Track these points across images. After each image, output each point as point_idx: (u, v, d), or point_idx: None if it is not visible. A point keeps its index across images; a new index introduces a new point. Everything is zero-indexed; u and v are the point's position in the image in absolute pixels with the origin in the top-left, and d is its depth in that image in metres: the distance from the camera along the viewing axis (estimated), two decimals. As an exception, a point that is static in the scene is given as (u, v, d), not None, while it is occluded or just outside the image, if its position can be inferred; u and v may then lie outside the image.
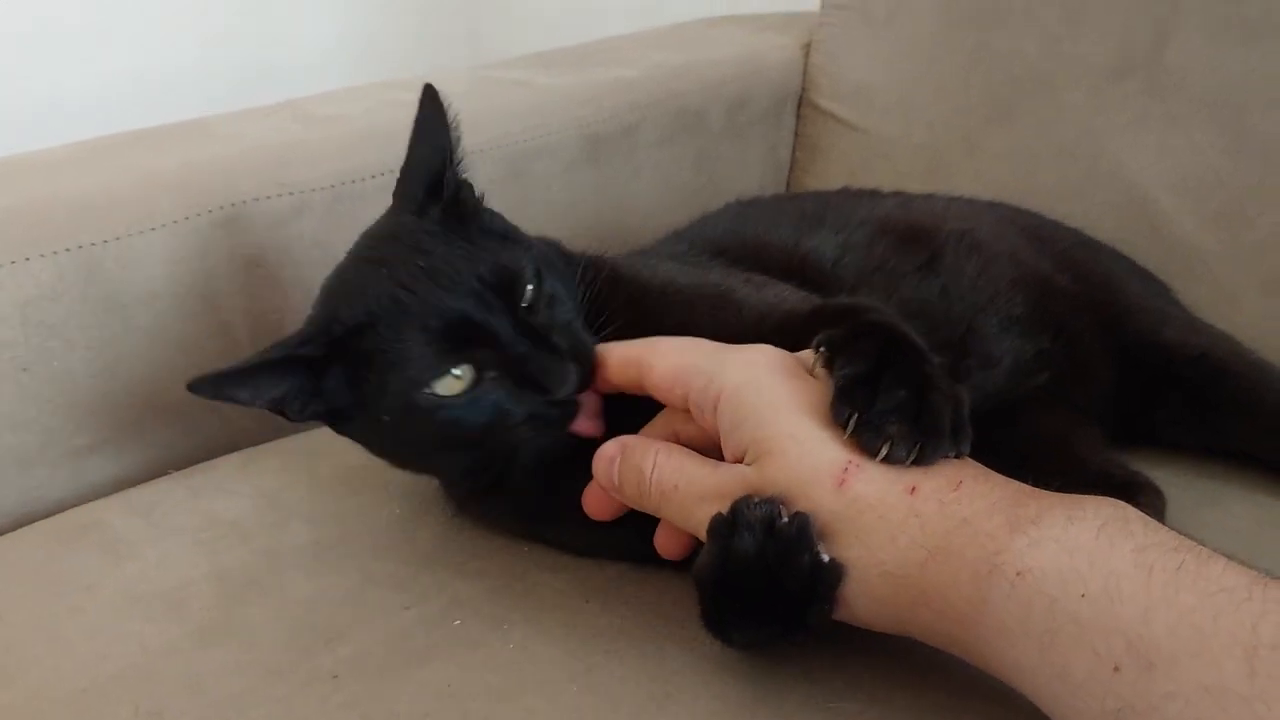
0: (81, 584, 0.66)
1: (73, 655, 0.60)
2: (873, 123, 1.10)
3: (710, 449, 0.56)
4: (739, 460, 0.53)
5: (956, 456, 0.50)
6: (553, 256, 0.65)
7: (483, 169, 0.71)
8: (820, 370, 0.53)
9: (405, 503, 0.71)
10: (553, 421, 0.59)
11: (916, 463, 0.49)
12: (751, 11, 1.28)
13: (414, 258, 0.60)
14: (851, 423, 0.50)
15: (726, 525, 0.50)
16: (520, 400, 0.58)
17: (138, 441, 0.81)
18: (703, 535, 0.52)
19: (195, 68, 1.46)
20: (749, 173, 1.14)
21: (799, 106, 1.16)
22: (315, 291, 0.65)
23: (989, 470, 0.50)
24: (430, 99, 0.66)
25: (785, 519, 0.49)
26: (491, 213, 0.66)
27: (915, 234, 0.77)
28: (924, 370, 0.52)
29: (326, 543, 0.68)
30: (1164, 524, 0.64)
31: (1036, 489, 0.49)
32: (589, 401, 0.60)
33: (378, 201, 0.68)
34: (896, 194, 0.87)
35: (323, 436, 0.82)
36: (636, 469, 0.55)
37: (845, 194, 0.89)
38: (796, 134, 1.16)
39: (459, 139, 0.66)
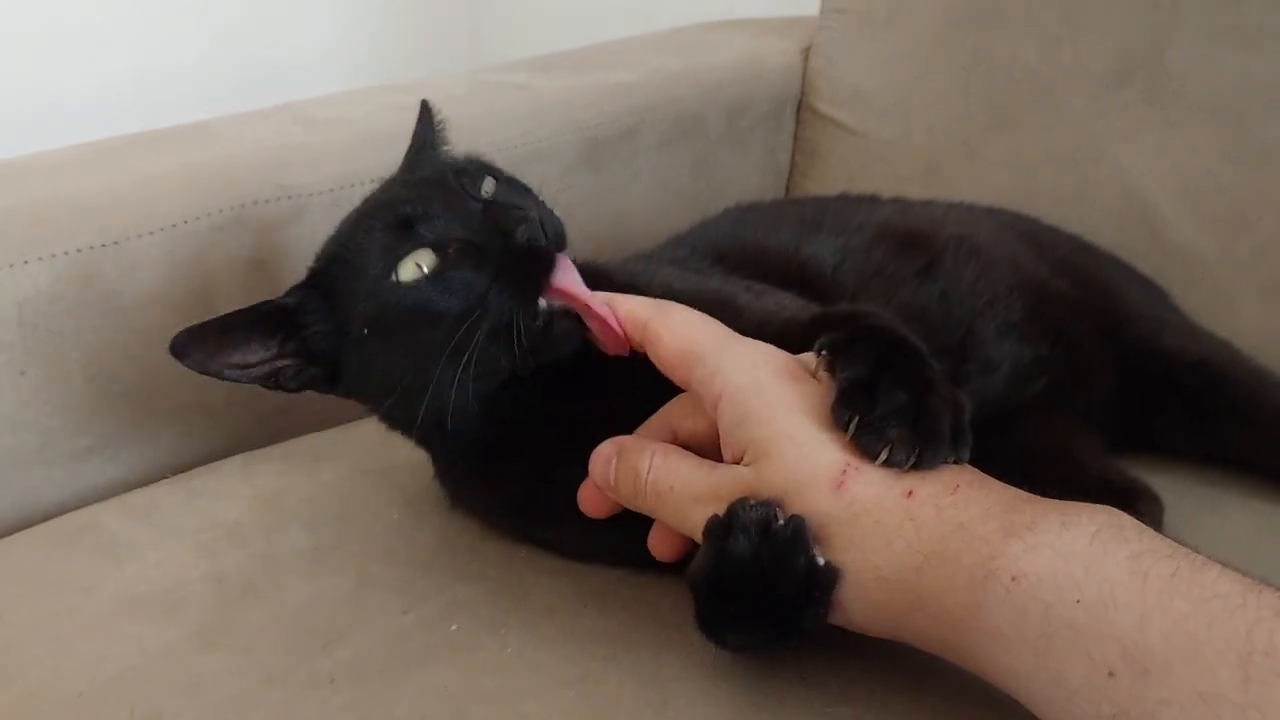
0: (80, 586, 0.66)
1: (71, 657, 0.60)
2: (872, 127, 1.10)
3: (708, 447, 0.56)
4: (737, 460, 0.53)
5: (956, 462, 0.50)
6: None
7: (481, 172, 0.72)
8: (823, 373, 0.53)
9: (404, 507, 0.71)
10: (524, 273, 0.57)
11: (915, 467, 0.49)
12: (751, 16, 1.28)
13: (374, 193, 0.65)
14: (852, 426, 0.50)
15: (722, 527, 0.50)
16: (485, 261, 0.57)
17: (136, 444, 0.81)
18: (698, 537, 0.52)
19: (196, 70, 1.46)
20: (748, 177, 1.14)
21: (798, 111, 1.16)
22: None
23: (985, 475, 0.50)
24: (425, 114, 0.70)
25: (781, 522, 0.49)
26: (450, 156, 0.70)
27: (914, 239, 0.77)
28: (924, 374, 0.52)
29: (325, 546, 0.68)
30: (1161, 530, 0.64)
31: (1032, 495, 0.49)
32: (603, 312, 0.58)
33: (378, 205, 0.68)
34: (895, 200, 0.88)
35: (322, 440, 0.82)
36: (632, 469, 0.55)
37: (844, 199, 0.89)
38: (796, 138, 1.16)
39: (445, 139, 0.71)
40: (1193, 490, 0.71)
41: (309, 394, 0.67)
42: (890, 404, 0.49)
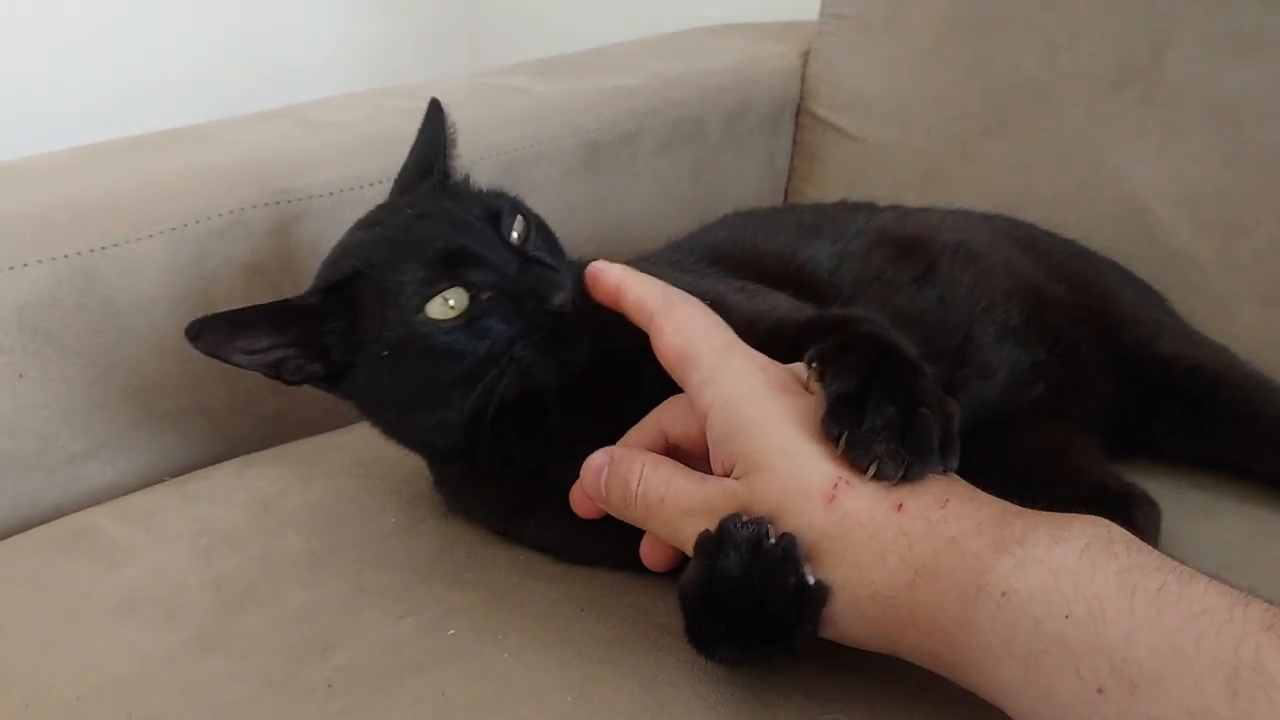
0: (77, 591, 0.66)
1: (68, 662, 0.60)
2: (871, 131, 1.10)
3: (700, 451, 0.56)
4: (727, 473, 0.53)
5: (944, 472, 0.50)
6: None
7: (481, 176, 0.72)
8: (814, 384, 0.53)
9: (401, 512, 0.71)
10: (550, 332, 0.59)
11: (904, 480, 0.49)
12: (750, 20, 1.28)
13: (405, 210, 0.65)
14: (843, 441, 0.49)
15: (713, 543, 0.50)
16: (517, 317, 0.59)
17: (134, 448, 0.81)
18: (688, 550, 0.52)
19: (196, 73, 1.46)
20: (747, 181, 1.14)
21: (797, 115, 1.16)
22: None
23: (975, 488, 0.50)
24: (434, 112, 0.70)
25: (773, 540, 0.49)
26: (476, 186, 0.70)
27: (911, 244, 0.78)
28: (914, 384, 0.51)
29: (322, 551, 0.68)
30: (1160, 535, 0.64)
31: (1022, 508, 0.48)
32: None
33: (378, 208, 0.69)
34: (894, 207, 0.88)
35: (320, 444, 0.82)
36: (623, 480, 0.55)
37: (843, 206, 0.89)
38: (795, 142, 1.17)
39: (455, 140, 0.71)
40: (1189, 495, 0.71)
41: (306, 397, 0.67)
42: (878, 418, 0.49)
